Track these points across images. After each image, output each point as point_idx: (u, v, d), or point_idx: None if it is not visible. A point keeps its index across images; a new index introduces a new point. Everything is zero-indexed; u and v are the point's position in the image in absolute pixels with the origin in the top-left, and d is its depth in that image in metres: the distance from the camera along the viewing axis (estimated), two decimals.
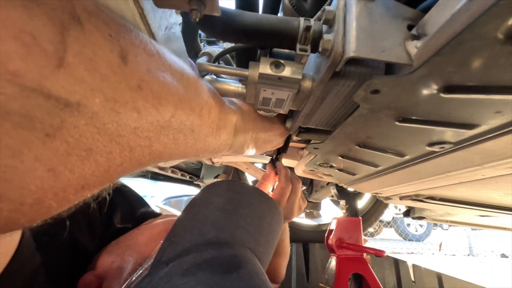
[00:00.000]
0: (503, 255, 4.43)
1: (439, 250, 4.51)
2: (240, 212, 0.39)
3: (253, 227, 0.39)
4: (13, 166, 0.15)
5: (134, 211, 0.60)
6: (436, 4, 0.25)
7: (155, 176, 1.42)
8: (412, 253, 4.21)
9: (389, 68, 0.30)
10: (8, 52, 0.14)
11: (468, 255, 4.47)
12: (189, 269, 0.30)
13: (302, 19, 0.32)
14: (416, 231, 5.40)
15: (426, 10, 0.28)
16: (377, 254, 0.79)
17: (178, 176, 1.27)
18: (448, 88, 0.25)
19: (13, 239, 0.29)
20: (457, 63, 0.23)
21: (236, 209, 0.39)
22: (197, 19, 0.25)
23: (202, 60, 0.39)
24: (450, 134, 0.34)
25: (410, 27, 0.28)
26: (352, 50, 0.27)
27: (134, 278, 0.39)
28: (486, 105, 0.27)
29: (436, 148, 0.39)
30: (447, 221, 1.26)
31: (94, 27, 0.18)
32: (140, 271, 0.39)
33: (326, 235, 0.91)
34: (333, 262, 0.84)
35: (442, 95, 0.26)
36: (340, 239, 0.84)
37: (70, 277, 0.43)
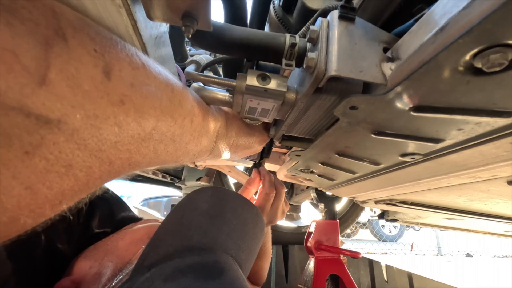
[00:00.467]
0: (468, 255, 4.71)
1: (411, 250, 4.72)
2: (224, 219, 0.40)
3: (236, 234, 0.40)
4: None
5: (113, 215, 0.59)
6: (408, 32, 0.28)
7: (134, 177, 1.39)
8: (386, 253, 4.37)
9: (367, 86, 0.33)
10: None
11: (437, 255, 4.72)
12: (171, 275, 0.30)
13: (288, 36, 0.34)
14: (390, 232, 5.62)
15: (399, 35, 0.31)
16: (353, 255, 0.83)
17: (159, 177, 1.26)
18: (418, 108, 0.28)
19: None
20: (425, 87, 0.25)
21: (220, 215, 0.40)
22: (190, 35, 0.26)
23: (191, 68, 0.40)
24: (419, 146, 0.38)
25: (385, 50, 0.31)
26: (333, 69, 0.29)
27: (113, 284, 0.39)
28: (450, 123, 0.30)
29: (407, 159, 0.42)
30: (418, 223, 1.33)
31: (78, 42, 0.18)
32: (121, 277, 0.39)
33: (305, 237, 0.93)
34: (311, 264, 0.87)
35: (412, 113, 0.29)
36: (319, 241, 0.87)
37: (46, 283, 0.42)
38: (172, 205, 3.00)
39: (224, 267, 0.32)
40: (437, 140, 0.34)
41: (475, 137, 0.32)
